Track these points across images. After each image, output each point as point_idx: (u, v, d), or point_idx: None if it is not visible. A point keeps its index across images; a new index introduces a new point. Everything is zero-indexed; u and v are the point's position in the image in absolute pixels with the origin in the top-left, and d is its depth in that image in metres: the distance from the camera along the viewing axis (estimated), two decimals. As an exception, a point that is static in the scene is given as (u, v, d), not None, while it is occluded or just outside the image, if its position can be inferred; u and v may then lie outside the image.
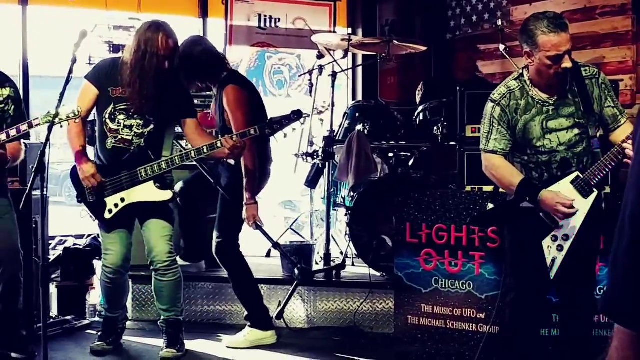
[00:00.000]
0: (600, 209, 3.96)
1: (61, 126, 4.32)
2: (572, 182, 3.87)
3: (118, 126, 4.87)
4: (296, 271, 5.19)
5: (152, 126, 4.90)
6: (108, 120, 4.87)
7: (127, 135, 4.88)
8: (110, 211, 4.91)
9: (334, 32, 8.22)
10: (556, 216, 3.85)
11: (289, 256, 5.37)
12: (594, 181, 3.83)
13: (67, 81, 4.26)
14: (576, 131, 3.93)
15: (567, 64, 3.81)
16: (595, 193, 3.86)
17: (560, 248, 3.88)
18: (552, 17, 3.83)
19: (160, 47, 4.72)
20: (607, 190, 4.17)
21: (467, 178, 5.71)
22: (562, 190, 3.86)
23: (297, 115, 4.88)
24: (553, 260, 3.89)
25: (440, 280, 5.01)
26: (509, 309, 4.17)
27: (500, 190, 4.29)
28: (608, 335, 4.57)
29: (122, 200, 4.89)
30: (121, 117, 4.86)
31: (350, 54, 6.99)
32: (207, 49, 5.34)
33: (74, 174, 4.95)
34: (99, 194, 4.90)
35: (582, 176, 3.86)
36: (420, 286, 5.07)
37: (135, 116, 4.86)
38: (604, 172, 3.82)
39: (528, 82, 3.99)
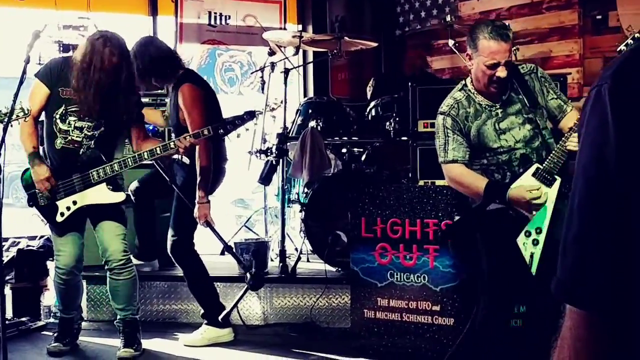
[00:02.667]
0: (564, 196, 3.99)
1: (11, 125, 4.27)
2: (533, 175, 3.94)
3: (68, 127, 4.83)
4: (248, 276, 5.17)
5: (102, 129, 4.89)
6: (58, 121, 4.83)
7: (77, 137, 4.84)
8: (62, 214, 4.88)
9: (285, 29, 8.23)
10: (530, 210, 3.90)
11: (241, 260, 5.36)
12: (555, 169, 3.91)
13: (21, 82, 4.21)
14: (528, 126, 4.02)
15: (501, 73, 3.91)
16: (559, 180, 3.92)
17: (535, 242, 3.91)
18: (497, 26, 3.94)
19: (104, 62, 4.72)
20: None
21: (419, 172, 5.79)
22: (526, 184, 3.92)
23: (250, 115, 4.90)
24: (531, 256, 3.91)
25: (395, 273, 5.06)
26: (484, 315, 4.15)
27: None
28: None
29: (75, 203, 4.87)
30: (72, 118, 4.83)
31: (301, 51, 7.01)
32: (161, 48, 5.32)
33: (24, 177, 4.90)
34: (51, 197, 4.86)
35: (541, 167, 3.93)
36: (376, 280, 5.12)
37: (86, 118, 4.84)
38: (563, 159, 3.90)
39: (473, 91, 4.10)
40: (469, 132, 4.05)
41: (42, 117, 4.98)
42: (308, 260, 6.55)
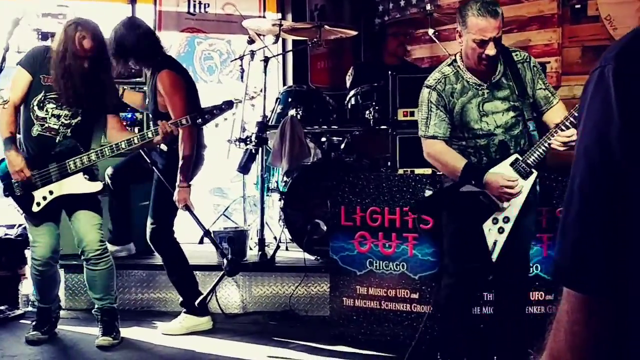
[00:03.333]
0: (534, 189, 4.06)
1: None
2: (511, 165, 3.96)
3: (46, 114, 4.80)
4: (224, 261, 5.17)
5: (79, 118, 4.86)
6: (36, 108, 4.80)
7: (54, 124, 4.81)
8: (38, 204, 4.84)
9: (264, 17, 8.19)
10: (501, 198, 3.92)
11: (219, 246, 5.35)
12: (534, 163, 3.92)
13: (0, 69, 4.18)
14: (512, 114, 4.01)
15: (490, 50, 3.88)
16: (535, 174, 3.95)
17: (501, 230, 3.96)
18: (486, 2, 3.89)
19: (79, 48, 4.70)
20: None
21: (399, 161, 5.79)
22: (503, 172, 3.94)
23: (228, 105, 4.90)
24: (494, 243, 3.96)
25: (374, 262, 5.08)
26: (445, 292, 4.22)
27: (439, 174, 4.34)
28: (545, 312, 4.71)
29: (51, 192, 4.83)
30: (50, 105, 4.80)
31: (280, 39, 6.99)
32: (146, 29, 5.31)
33: (1, 167, 4.87)
34: (27, 187, 4.83)
35: (521, 158, 3.94)
36: (355, 268, 5.13)
37: (64, 106, 4.81)
38: (543, 153, 3.91)
39: (462, 67, 4.06)
40: (452, 109, 4.03)
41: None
42: (287, 249, 6.56)
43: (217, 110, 4.85)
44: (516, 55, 4.10)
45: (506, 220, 3.96)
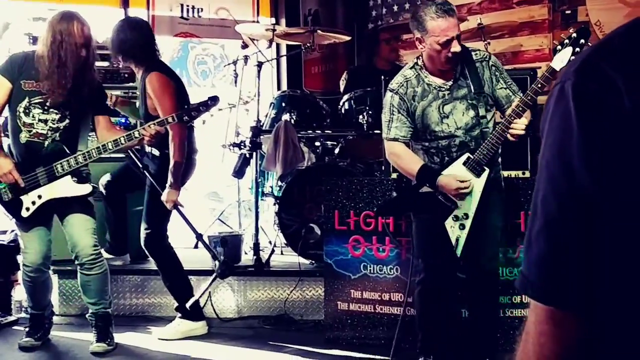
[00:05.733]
0: (498, 187, 4.21)
1: None
2: (464, 164, 4.06)
3: (33, 120, 4.77)
4: (216, 264, 5.17)
5: (67, 121, 4.83)
6: (22, 114, 4.77)
7: (41, 130, 4.78)
8: (27, 209, 4.81)
9: (258, 22, 8.21)
10: (456, 197, 4.04)
11: (212, 249, 5.34)
12: (484, 160, 4.02)
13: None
14: (472, 113, 4.10)
15: (455, 48, 3.98)
16: (487, 171, 4.04)
17: (462, 227, 4.08)
18: (440, 3, 3.99)
19: (76, 36, 4.68)
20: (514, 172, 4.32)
21: (392, 166, 5.79)
22: (456, 172, 4.05)
23: (213, 100, 4.83)
24: (457, 239, 4.08)
25: (368, 265, 5.09)
26: (417, 289, 4.35)
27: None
28: (522, 316, 4.74)
29: (40, 197, 4.80)
30: (36, 110, 4.77)
31: (274, 44, 7.00)
32: (147, 33, 5.32)
33: None
34: (15, 192, 4.80)
35: (472, 157, 4.04)
36: (349, 272, 5.14)
37: (51, 110, 4.78)
38: (493, 150, 4.01)
39: (423, 70, 4.16)
40: (414, 112, 4.14)
41: (6, 114, 4.91)
42: (282, 253, 6.57)
43: (203, 106, 4.79)
44: (475, 54, 4.19)
45: (465, 217, 4.08)
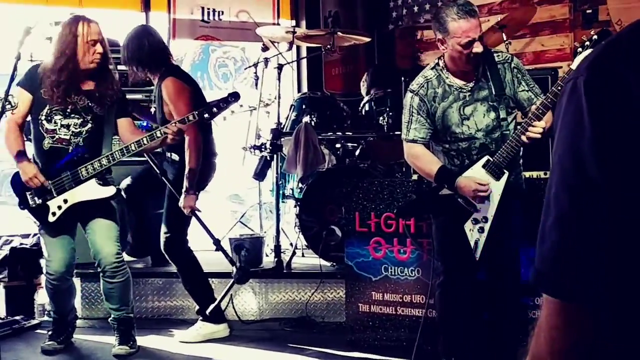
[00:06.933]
0: (519, 190, 4.17)
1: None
2: (483, 166, 4.04)
3: (55, 126, 4.80)
4: (234, 270, 5.17)
5: (89, 125, 4.85)
6: (44, 122, 4.80)
7: (64, 135, 4.81)
8: (54, 214, 4.82)
9: (278, 24, 8.22)
10: (475, 200, 4.01)
11: (228, 255, 5.33)
12: (504, 163, 3.99)
13: (12, 79, 4.21)
14: (492, 115, 4.08)
15: (477, 48, 3.96)
16: (507, 174, 4.02)
17: (481, 230, 4.05)
18: (462, 4, 3.97)
19: (84, 35, 4.72)
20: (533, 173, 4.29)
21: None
22: (475, 175, 4.03)
23: (233, 97, 4.81)
24: (476, 242, 4.06)
25: (389, 267, 5.08)
26: (438, 291, 4.34)
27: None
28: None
29: (65, 201, 4.82)
30: (57, 117, 4.80)
31: (294, 46, 7.01)
32: (159, 39, 5.34)
33: (14, 181, 4.87)
34: (42, 197, 4.83)
35: (492, 159, 4.01)
36: (370, 274, 5.13)
37: (72, 115, 4.81)
38: (513, 153, 3.98)
39: (444, 70, 4.14)
40: (434, 113, 4.12)
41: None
42: (303, 255, 6.56)
43: (223, 103, 4.77)
44: (498, 56, 4.17)
45: (484, 220, 4.05)
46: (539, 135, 3.87)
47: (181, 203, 5.08)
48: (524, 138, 3.90)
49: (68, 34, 4.73)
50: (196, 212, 5.11)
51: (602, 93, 1.03)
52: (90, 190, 4.83)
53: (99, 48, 4.76)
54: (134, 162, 5.78)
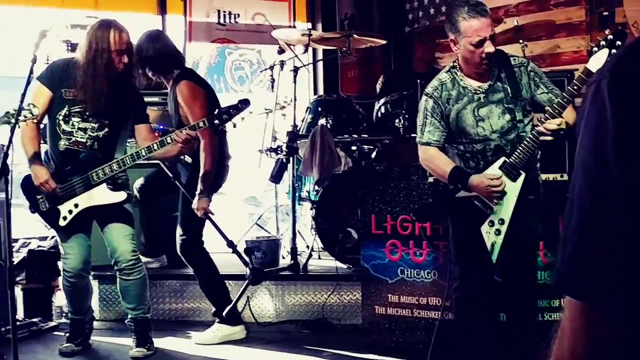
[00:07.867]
0: (536, 191, 4.15)
1: (18, 126, 4.25)
2: (500, 168, 4.02)
3: (72, 128, 4.82)
4: (247, 271, 5.18)
5: (106, 129, 4.87)
6: (62, 122, 4.82)
7: (81, 138, 4.83)
8: (64, 218, 4.85)
9: (294, 27, 8.24)
10: (490, 197, 3.99)
11: (243, 257, 5.34)
12: (520, 164, 3.98)
13: (28, 82, 4.21)
14: (507, 117, 4.06)
15: (489, 48, 3.95)
16: (523, 175, 4.00)
17: (497, 232, 4.03)
18: (473, 3, 3.97)
19: (112, 44, 4.72)
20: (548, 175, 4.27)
21: (428, 169, 5.78)
22: (488, 173, 4.02)
23: (244, 104, 4.82)
24: (492, 245, 4.04)
25: (405, 270, 5.07)
26: (454, 295, 4.32)
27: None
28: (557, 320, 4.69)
29: (76, 205, 4.84)
30: (76, 119, 4.82)
31: (310, 49, 7.02)
32: (167, 44, 5.35)
33: (25, 184, 4.88)
34: (52, 202, 4.85)
35: (508, 160, 4.00)
36: (387, 277, 5.13)
37: (90, 119, 4.83)
38: (529, 154, 3.97)
39: (459, 73, 4.14)
40: (448, 115, 4.12)
41: (45, 121, 4.97)
42: (319, 258, 6.57)
43: (234, 109, 4.77)
44: (514, 60, 4.16)
45: (501, 222, 4.03)
46: (550, 132, 3.85)
47: (194, 205, 5.10)
48: (539, 128, 3.87)
49: (99, 38, 4.73)
50: (210, 214, 5.13)
51: (625, 95, 1.03)
52: (101, 195, 4.86)
53: (125, 58, 4.78)
54: (150, 165, 5.80)
